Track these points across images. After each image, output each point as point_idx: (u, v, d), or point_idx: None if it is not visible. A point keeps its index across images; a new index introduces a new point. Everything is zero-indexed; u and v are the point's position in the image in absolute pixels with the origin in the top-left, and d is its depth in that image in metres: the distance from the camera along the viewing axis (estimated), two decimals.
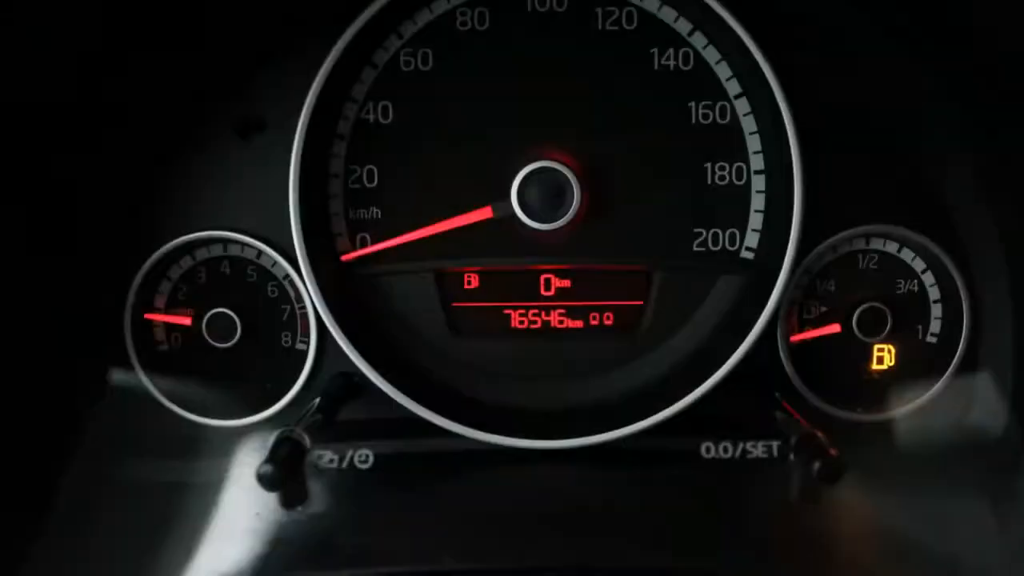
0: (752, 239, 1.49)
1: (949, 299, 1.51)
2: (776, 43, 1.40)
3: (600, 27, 1.46)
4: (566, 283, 1.52)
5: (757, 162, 1.47)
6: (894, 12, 1.44)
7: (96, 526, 1.34)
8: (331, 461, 1.42)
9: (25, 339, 1.39)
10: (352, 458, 1.42)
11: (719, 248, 1.50)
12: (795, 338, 1.52)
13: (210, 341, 1.52)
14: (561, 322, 1.52)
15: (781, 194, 1.45)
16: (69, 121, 1.40)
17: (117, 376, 1.52)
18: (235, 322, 1.51)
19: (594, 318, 1.52)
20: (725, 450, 1.44)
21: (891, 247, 1.51)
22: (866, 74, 1.47)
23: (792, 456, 1.32)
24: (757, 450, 1.44)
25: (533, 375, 1.53)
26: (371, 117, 1.48)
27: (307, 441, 1.32)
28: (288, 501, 1.32)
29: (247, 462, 1.44)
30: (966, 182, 1.48)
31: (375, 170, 1.49)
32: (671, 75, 1.46)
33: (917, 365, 1.52)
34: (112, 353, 1.52)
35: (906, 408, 1.51)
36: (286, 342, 1.54)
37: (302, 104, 1.42)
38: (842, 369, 1.53)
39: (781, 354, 1.50)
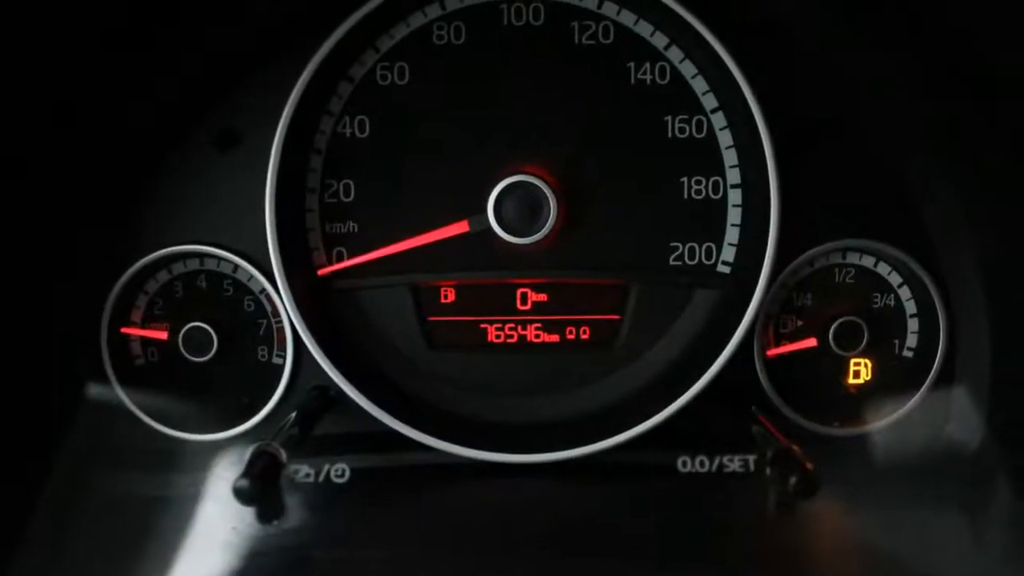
0: (728, 253, 1.51)
1: (925, 313, 1.53)
2: (753, 57, 1.42)
3: (577, 41, 1.47)
4: (542, 297, 1.53)
5: (733, 176, 1.49)
6: (872, 26, 1.45)
7: (73, 540, 1.34)
8: (307, 475, 1.44)
9: (1, 353, 1.40)
10: (328, 472, 1.44)
11: (696, 262, 1.51)
12: (771, 352, 1.54)
13: (187, 355, 1.53)
14: (537, 336, 1.54)
15: (757, 208, 1.47)
16: (46, 133, 1.41)
17: (93, 390, 1.53)
18: (212, 336, 1.52)
19: (570, 332, 1.54)
20: (702, 464, 1.46)
21: (867, 261, 1.53)
22: (842, 89, 1.48)
23: (768, 470, 1.32)
24: (733, 464, 1.45)
25: (509, 389, 1.55)
26: (348, 131, 1.50)
27: (283, 455, 1.32)
28: (265, 515, 1.32)
29: (224, 476, 1.45)
30: (943, 196, 1.49)
31: (351, 184, 1.51)
32: (647, 89, 1.48)
33: (893, 379, 1.54)
34: (88, 367, 1.53)
35: (882, 422, 1.53)
36: (263, 356, 1.56)
37: (279, 118, 1.43)
38: (818, 383, 1.55)
39: (757, 368, 1.52)
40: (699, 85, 1.48)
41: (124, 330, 1.54)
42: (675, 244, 1.51)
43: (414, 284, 1.53)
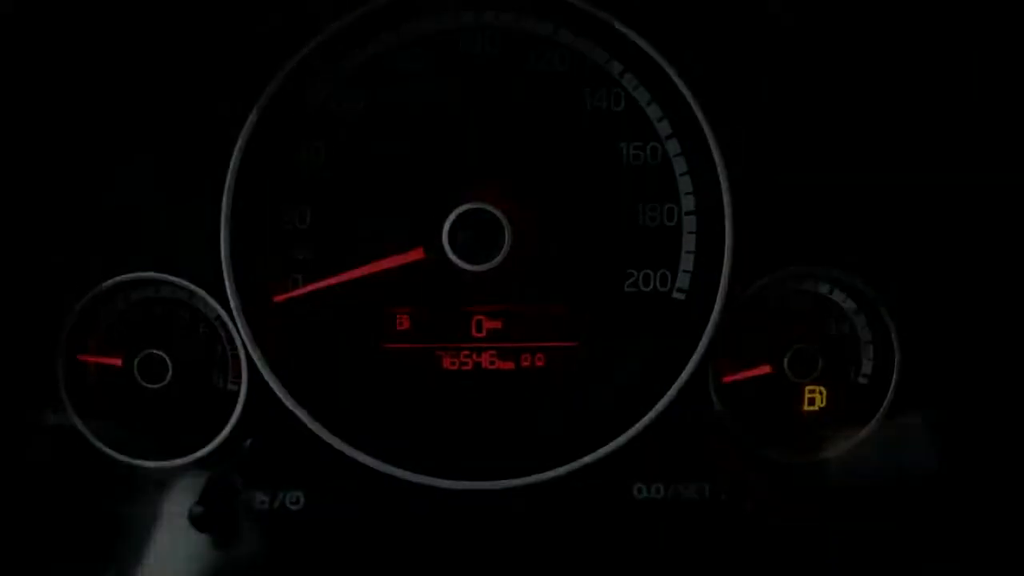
0: (683, 280, 1.54)
1: (881, 341, 1.56)
2: (708, 84, 1.47)
3: (532, 68, 1.52)
4: (497, 324, 1.56)
5: (688, 203, 1.52)
6: (827, 52, 1.50)
7: (27, 568, 1.39)
8: (263, 502, 1.47)
9: None
10: (284, 499, 1.47)
11: (650, 289, 1.54)
12: (726, 379, 1.56)
13: (141, 382, 1.55)
14: (492, 363, 1.56)
15: (712, 235, 1.51)
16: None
17: (48, 417, 1.55)
18: (167, 363, 1.55)
19: (525, 359, 1.56)
20: (657, 491, 1.49)
21: (823, 288, 1.56)
22: (798, 116, 1.52)
23: (724, 497, 1.37)
24: (689, 491, 1.49)
25: (464, 416, 1.57)
26: (303, 157, 1.53)
27: (239, 482, 1.36)
28: (220, 542, 1.37)
29: (179, 503, 1.47)
30: (898, 223, 1.53)
31: (307, 211, 1.53)
32: (602, 116, 1.52)
33: (849, 406, 1.57)
34: (43, 394, 1.55)
35: (837, 449, 1.55)
36: (218, 383, 1.57)
37: (234, 144, 1.48)
38: (773, 410, 1.57)
39: (712, 395, 1.54)
40: (654, 112, 1.52)
41: (79, 356, 1.57)
42: (630, 271, 1.54)
43: (369, 311, 1.56)
